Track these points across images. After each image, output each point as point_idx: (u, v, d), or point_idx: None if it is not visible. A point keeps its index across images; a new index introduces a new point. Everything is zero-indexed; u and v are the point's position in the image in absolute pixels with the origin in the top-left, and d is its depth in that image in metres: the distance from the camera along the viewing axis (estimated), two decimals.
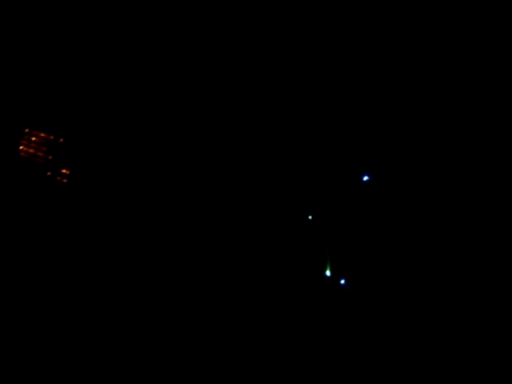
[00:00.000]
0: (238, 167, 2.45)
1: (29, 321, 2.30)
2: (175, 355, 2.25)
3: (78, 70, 2.57)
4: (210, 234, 2.44)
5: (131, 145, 2.51)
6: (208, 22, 2.49)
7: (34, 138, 2.58)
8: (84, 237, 2.54)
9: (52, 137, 2.57)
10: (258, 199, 2.48)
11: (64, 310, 2.36)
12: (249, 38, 2.48)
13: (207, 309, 2.41)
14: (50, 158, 2.57)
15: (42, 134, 2.58)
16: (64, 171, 2.55)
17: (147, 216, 2.46)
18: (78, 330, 2.28)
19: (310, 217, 2.75)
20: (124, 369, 2.17)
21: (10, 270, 2.46)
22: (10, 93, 2.61)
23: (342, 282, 2.65)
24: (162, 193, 2.43)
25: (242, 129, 2.44)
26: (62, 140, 2.57)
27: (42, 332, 2.27)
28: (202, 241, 2.44)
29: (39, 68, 2.59)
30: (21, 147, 2.59)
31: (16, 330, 2.27)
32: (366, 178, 2.72)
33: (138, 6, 2.40)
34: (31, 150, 2.58)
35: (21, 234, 2.56)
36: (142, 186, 2.48)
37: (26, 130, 2.59)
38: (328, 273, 2.68)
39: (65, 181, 2.55)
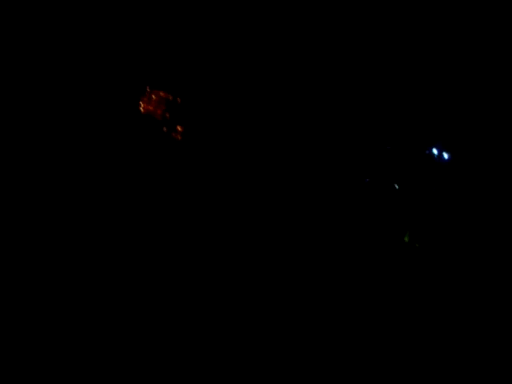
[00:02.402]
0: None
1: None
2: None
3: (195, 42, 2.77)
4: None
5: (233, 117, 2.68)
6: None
7: (154, 97, 2.82)
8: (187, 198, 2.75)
9: (171, 97, 2.80)
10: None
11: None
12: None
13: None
14: (168, 115, 2.79)
15: (162, 93, 2.81)
16: (179, 128, 2.77)
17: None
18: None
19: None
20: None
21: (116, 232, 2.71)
22: (132, 53, 2.87)
23: None
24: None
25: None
26: (179, 100, 2.78)
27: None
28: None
29: (163, 36, 2.83)
30: (141, 104, 2.83)
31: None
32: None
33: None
34: (150, 108, 2.82)
35: (131, 183, 2.81)
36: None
37: (147, 89, 2.83)
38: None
39: (179, 137, 2.77)
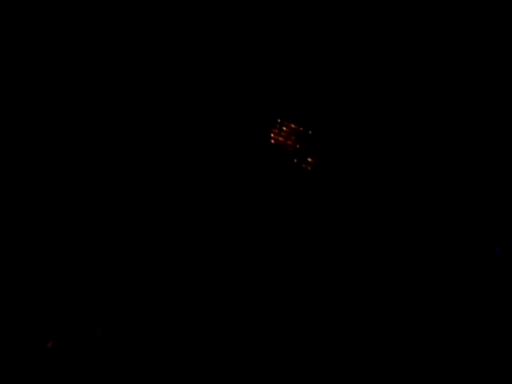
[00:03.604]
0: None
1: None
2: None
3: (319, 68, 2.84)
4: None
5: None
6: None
7: (284, 128, 2.96)
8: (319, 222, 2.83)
9: (301, 128, 2.91)
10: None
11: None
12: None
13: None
14: (298, 146, 2.91)
15: (293, 125, 2.94)
16: (309, 160, 2.87)
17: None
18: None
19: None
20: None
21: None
22: (264, 86, 3.03)
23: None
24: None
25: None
26: (310, 132, 2.88)
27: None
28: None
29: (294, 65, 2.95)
30: (272, 135, 2.99)
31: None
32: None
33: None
34: (281, 139, 2.96)
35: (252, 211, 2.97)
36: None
37: (278, 121, 2.97)
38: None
39: (309, 168, 2.87)
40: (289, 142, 2.94)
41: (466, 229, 2.54)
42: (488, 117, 2.49)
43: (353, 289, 2.65)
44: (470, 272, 2.41)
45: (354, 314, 2.55)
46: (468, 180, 2.55)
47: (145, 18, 2.91)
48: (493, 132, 2.50)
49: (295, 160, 2.92)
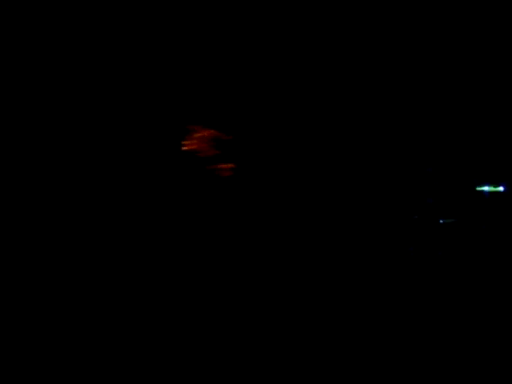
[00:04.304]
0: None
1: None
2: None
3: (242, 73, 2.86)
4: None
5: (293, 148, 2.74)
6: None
7: (201, 134, 2.85)
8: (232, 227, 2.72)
9: (218, 133, 2.83)
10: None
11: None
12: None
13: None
14: (215, 152, 2.81)
15: (209, 131, 2.84)
16: (227, 166, 2.78)
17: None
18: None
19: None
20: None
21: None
22: (179, 92, 2.92)
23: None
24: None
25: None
26: (227, 137, 2.82)
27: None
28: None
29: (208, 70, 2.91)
30: (187, 142, 2.85)
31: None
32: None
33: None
34: (197, 145, 2.84)
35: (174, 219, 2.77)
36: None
37: (193, 127, 2.86)
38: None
39: (227, 174, 2.77)
40: (205, 148, 2.83)
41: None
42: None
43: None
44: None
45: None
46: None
47: None
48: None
49: (212, 166, 2.81)
